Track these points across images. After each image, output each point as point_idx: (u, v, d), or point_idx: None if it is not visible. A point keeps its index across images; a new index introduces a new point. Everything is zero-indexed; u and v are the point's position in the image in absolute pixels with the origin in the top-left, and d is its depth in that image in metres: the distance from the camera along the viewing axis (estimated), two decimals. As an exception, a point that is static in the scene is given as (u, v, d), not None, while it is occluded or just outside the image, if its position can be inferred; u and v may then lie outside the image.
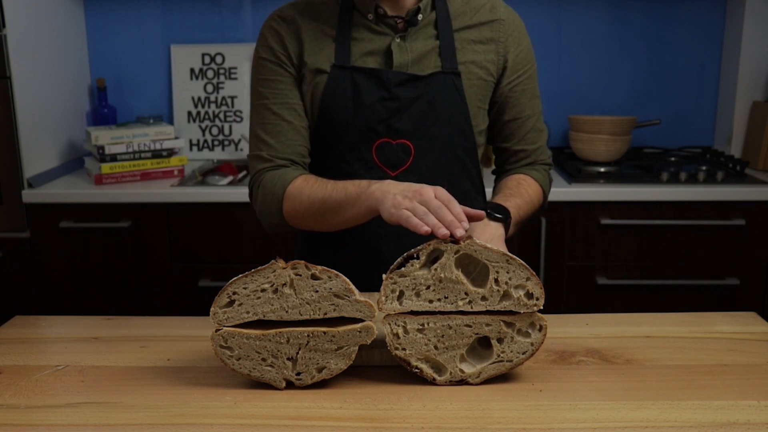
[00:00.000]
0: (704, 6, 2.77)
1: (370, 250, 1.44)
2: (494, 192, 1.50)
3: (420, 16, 1.39)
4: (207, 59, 2.82)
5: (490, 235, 1.30)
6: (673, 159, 2.66)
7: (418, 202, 1.14)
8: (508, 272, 1.08)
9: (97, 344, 1.29)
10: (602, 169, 2.51)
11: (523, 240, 2.34)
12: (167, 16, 2.82)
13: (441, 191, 1.15)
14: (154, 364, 1.20)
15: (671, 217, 2.33)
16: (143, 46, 2.84)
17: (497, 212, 1.34)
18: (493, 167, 1.58)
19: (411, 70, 1.38)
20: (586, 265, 2.37)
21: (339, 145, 1.40)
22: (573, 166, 2.48)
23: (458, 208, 1.13)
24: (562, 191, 2.31)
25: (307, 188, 1.34)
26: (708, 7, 2.77)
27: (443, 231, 1.08)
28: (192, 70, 2.83)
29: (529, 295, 1.08)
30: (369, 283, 1.33)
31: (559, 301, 2.39)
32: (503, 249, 1.26)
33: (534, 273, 1.08)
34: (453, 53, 1.39)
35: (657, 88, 2.84)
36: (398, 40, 1.39)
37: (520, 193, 1.43)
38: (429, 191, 1.15)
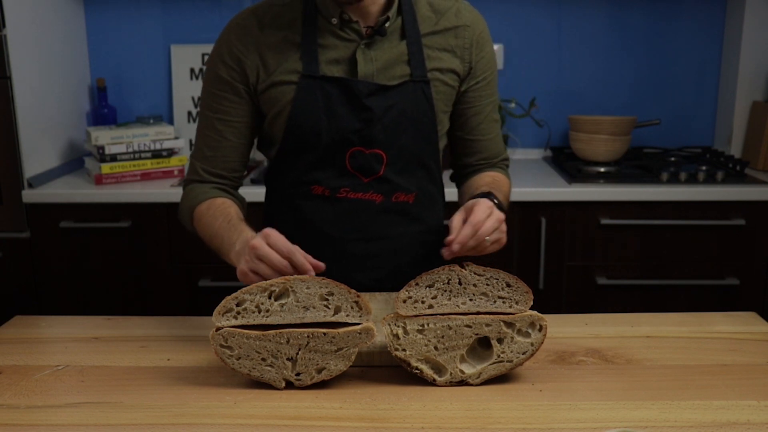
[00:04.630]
0: (704, 6, 2.77)
1: (369, 248, 1.44)
2: (467, 188, 1.48)
3: (387, 24, 1.37)
4: (207, 59, 2.82)
5: (485, 205, 1.26)
6: (673, 159, 2.66)
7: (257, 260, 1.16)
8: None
9: (97, 344, 1.29)
10: (602, 169, 2.51)
11: (523, 240, 2.34)
12: (167, 16, 2.82)
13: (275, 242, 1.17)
14: (154, 364, 1.20)
15: (671, 217, 2.32)
16: (143, 46, 2.84)
17: (492, 198, 1.32)
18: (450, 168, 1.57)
19: (377, 79, 1.36)
20: (586, 265, 2.37)
21: (311, 152, 1.38)
22: (573, 166, 2.48)
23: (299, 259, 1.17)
24: (562, 191, 2.30)
25: (203, 220, 1.40)
26: (708, 7, 2.77)
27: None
28: (192, 70, 2.83)
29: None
30: (360, 284, 1.32)
31: (559, 301, 2.39)
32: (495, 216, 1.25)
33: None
34: (422, 61, 1.38)
35: (657, 88, 2.84)
36: (363, 47, 1.36)
37: (500, 189, 1.42)
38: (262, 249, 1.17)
